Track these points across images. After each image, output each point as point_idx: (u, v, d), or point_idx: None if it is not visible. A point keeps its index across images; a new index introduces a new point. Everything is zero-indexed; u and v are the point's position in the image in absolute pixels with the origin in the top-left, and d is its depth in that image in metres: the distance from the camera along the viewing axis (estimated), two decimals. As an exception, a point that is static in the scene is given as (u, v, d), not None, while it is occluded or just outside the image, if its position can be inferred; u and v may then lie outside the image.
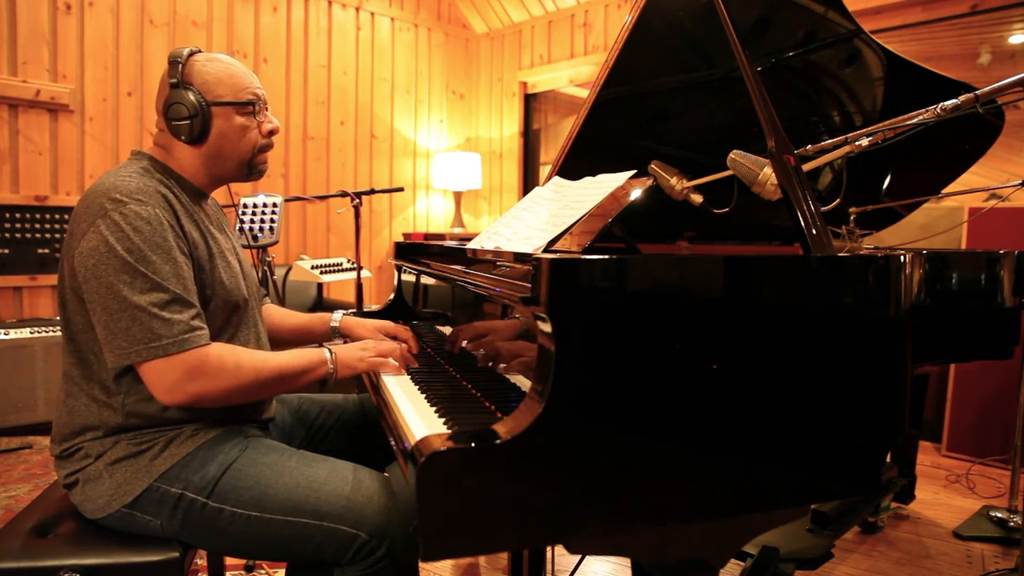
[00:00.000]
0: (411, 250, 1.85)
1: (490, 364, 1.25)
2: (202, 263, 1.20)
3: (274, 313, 1.58)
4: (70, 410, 1.19)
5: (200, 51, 1.27)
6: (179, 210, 1.19)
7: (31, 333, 3.07)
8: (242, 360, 1.16)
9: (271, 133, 1.31)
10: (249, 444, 1.21)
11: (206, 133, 1.24)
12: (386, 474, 1.28)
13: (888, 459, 2.44)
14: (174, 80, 1.21)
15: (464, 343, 1.40)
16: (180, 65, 1.21)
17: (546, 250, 1.15)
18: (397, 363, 1.33)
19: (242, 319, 1.29)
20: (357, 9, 4.69)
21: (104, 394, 1.17)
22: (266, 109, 1.31)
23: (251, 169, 1.31)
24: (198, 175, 1.28)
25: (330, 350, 1.30)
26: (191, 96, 1.21)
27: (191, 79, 1.22)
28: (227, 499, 1.13)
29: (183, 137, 1.23)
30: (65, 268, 1.16)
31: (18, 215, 3.36)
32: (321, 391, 1.64)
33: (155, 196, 1.15)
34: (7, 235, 3.33)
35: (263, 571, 2.04)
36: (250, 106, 1.27)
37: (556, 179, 1.48)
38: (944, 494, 2.71)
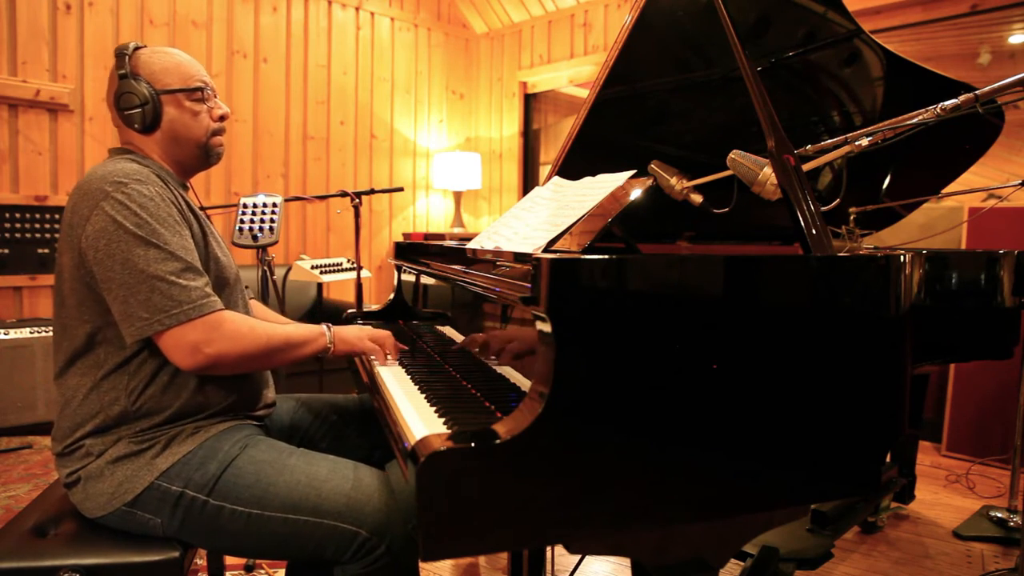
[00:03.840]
0: (411, 250, 1.85)
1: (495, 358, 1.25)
2: (196, 240, 1.24)
3: (258, 311, 1.60)
4: (70, 401, 1.20)
5: (145, 46, 1.31)
6: (173, 191, 1.24)
7: (31, 333, 3.07)
8: (255, 325, 1.21)
9: (222, 118, 1.36)
10: (249, 442, 1.21)
11: (158, 121, 1.28)
12: (385, 471, 1.28)
13: (888, 459, 2.44)
14: (123, 72, 1.25)
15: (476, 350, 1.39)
16: (127, 57, 1.26)
17: (546, 250, 1.15)
18: (390, 351, 1.40)
19: (231, 297, 1.32)
20: (357, 9, 4.69)
21: (108, 381, 1.18)
22: (215, 96, 1.35)
23: (208, 153, 1.35)
24: (166, 164, 1.32)
25: (328, 326, 1.35)
26: (141, 86, 1.25)
27: (139, 70, 1.26)
28: (228, 497, 1.13)
29: (136, 126, 1.26)
30: (66, 259, 1.18)
31: (18, 215, 3.35)
32: (320, 389, 1.64)
33: (152, 177, 1.20)
34: (7, 235, 3.33)
35: (263, 571, 2.04)
36: (199, 92, 1.31)
37: (556, 179, 1.48)
38: (944, 494, 2.71)
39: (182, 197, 1.27)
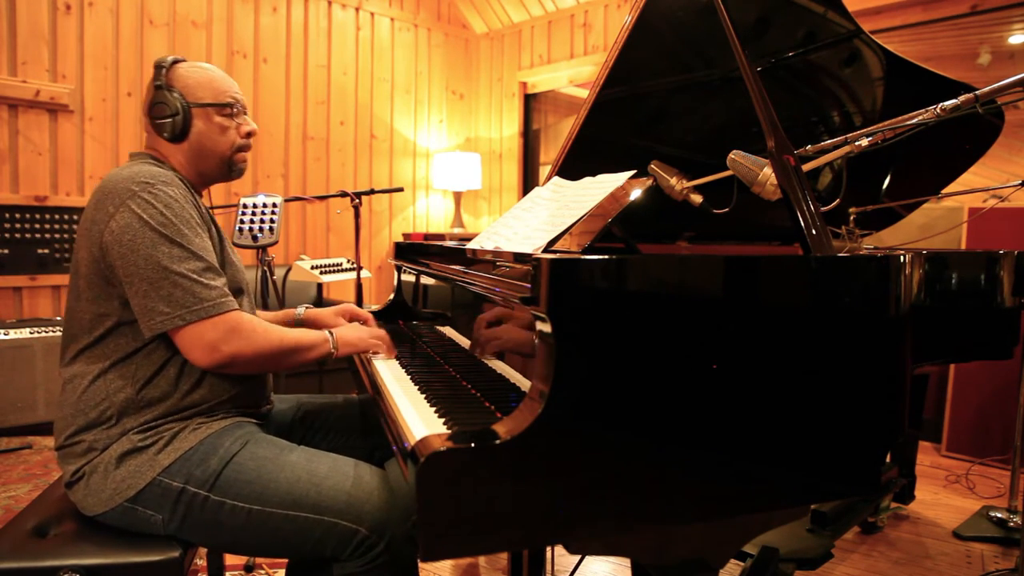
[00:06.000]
0: (411, 250, 1.85)
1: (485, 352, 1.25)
2: (214, 244, 1.28)
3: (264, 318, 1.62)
4: (75, 388, 1.21)
5: (185, 60, 1.36)
6: (193, 195, 1.29)
7: (31, 333, 3.07)
8: (268, 327, 1.25)
9: (249, 135, 1.40)
10: (250, 439, 1.23)
11: (187, 131, 1.32)
12: (383, 468, 1.29)
13: (888, 459, 2.44)
14: (159, 83, 1.31)
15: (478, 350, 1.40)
16: (164, 70, 1.32)
17: (546, 250, 1.15)
18: (388, 346, 1.45)
19: (242, 303, 1.35)
20: (357, 9, 4.69)
21: (115, 369, 1.20)
22: (244, 113, 1.40)
23: (231, 167, 1.40)
24: (188, 173, 1.36)
25: (331, 331, 1.39)
26: (174, 97, 1.30)
27: (174, 82, 1.32)
28: (228, 492, 1.14)
29: (165, 134, 1.31)
30: (84, 254, 1.20)
31: (18, 215, 3.35)
32: (320, 390, 1.65)
33: (176, 180, 1.24)
34: (7, 235, 3.32)
35: (262, 571, 2.04)
36: (229, 108, 1.35)
37: (556, 179, 1.48)
38: (944, 494, 2.71)
39: (200, 204, 1.31)
